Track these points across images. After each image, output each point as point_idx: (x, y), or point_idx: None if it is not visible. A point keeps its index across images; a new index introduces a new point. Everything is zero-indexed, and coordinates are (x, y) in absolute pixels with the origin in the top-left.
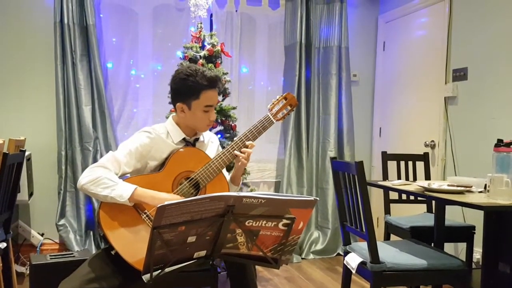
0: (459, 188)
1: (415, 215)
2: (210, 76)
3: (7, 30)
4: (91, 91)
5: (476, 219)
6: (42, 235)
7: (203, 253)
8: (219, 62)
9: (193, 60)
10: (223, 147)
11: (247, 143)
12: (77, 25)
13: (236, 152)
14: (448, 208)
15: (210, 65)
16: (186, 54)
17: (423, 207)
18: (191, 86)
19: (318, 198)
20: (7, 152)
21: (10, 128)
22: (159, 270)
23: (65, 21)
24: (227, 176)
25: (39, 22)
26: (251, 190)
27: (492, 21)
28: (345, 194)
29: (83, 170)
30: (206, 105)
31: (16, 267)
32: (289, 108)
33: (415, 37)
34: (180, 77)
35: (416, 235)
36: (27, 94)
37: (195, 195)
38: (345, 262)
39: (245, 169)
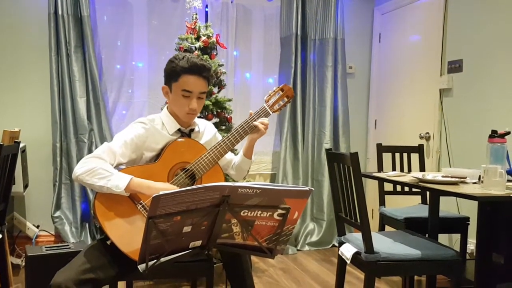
0: (453, 179)
1: (409, 206)
2: (194, 61)
3: (0, 21)
4: (86, 83)
5: (470, 210)
6: (37, 227)
7: (198, 243)
8: (215, 53)
9: (188, 51)
10: None
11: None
12: (71, 16)
13: (260, 120)
14: (442, 199)
15: (205, 56)
16: (181, 46)
17: (418, 198)
18: (173, 68)
19: (313, 188)
20: (2, 143)
21: (4, 119)
22: (155, 260)
23: (59, 12)
24: (238, 156)
25: (33, 13)
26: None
27: (488, 13)
28: (340, 185)
29: (78, 162)
30: (183, 89)
31: (12, 259)
32: (285, 99)
33: (411, 29)
34: (170, 60)
35: (411, 226)
36: (22, 85)
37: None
38: (339, 252)
39: None
